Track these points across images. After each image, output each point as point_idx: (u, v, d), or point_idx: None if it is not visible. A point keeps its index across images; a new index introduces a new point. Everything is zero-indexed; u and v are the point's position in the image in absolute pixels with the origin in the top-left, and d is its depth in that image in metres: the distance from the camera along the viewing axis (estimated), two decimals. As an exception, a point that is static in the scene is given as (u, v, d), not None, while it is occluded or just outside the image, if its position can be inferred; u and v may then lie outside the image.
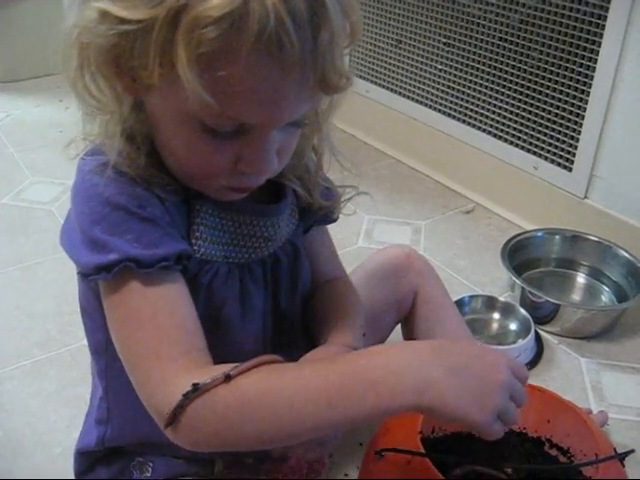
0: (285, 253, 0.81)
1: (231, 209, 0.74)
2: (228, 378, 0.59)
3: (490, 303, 1.36)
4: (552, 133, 1.59)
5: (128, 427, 0.80)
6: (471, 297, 1.36)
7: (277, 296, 0.81)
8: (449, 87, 1.82)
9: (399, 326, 1.06)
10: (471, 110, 1.78)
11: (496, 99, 1.70)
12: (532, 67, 1.58)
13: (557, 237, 1.51)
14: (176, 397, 0.59)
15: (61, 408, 1.14)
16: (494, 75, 1.68)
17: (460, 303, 1.31)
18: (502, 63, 1.65)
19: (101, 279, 0.64)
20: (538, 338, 1.33)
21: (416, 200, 1.81)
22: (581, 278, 1.49)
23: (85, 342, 1.25)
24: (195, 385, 0.58)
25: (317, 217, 0.86)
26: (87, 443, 0.84)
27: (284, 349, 0.83)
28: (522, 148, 1.67)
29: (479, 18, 1.67)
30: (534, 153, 1.65)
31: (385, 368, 0.59)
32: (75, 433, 1.06)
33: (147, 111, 0.66)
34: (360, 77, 2.07)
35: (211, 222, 0.73)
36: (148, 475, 0.80)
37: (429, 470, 0.71)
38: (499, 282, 1.48)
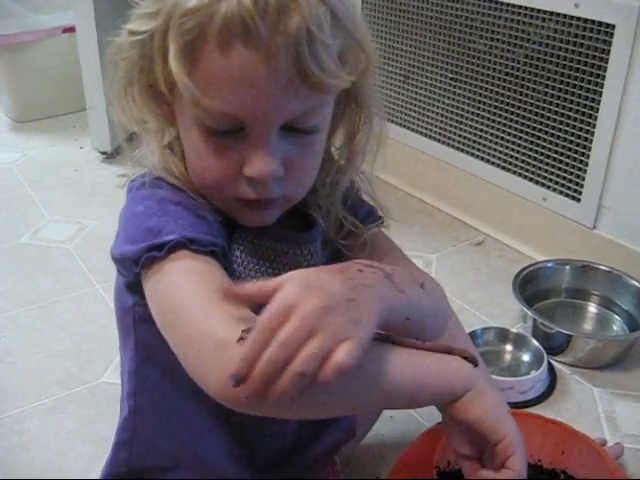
0: None
1: (266, 236, 0.76)
2: None
3: (502, 335, 1.38)
4: (560, 165, 1.61)
5: (156, 444, 0.82)
6: (483, 329, 1.37)
7: None
8: (457, 121, 1.85)
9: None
10: (479, 143, 1.81)
11: (503, 132, 1.72)
12: (538, 100, 1.61)
13: (567, 267, 1.52)
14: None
15: (81, 446, 1.16)
16: (501, 109, 1.71)
17: (473, 335, 1.32)
18: (509, 97, 1.68)
19: (153, 257, 0.64)
20: (551, 369, 1.34)
21: (426, 233, 1.83)
22: (592, 308, 1.50)
23: (104, 380, 1.29)
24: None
25: (367, 225, 0.86)
26: (113, 467, 0.85)
27: None
28: (530, 180, 1.69)
29: (485, 53, 1.70)
30: (542, 185, 1.67)
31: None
32: (95, 471, 1.08)
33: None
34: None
35: (249, 249, 0.75)
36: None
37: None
38: (511, 313, 1.49)
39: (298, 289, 0.52)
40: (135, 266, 0.65)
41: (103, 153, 2.26)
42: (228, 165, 0.68)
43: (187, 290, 0.62)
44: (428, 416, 1.16)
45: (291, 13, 0.61)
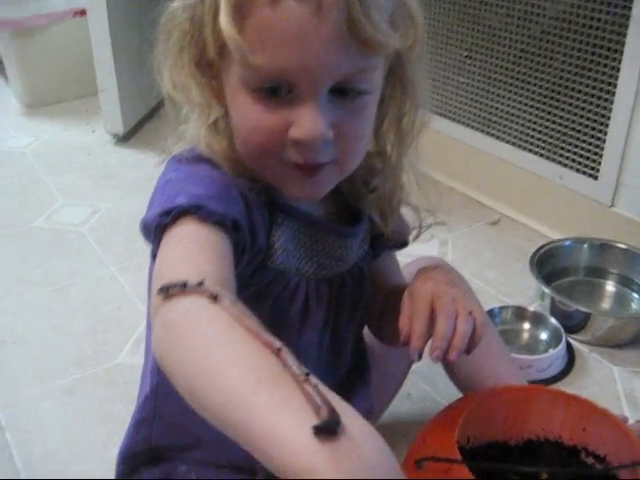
0: (352, 276, 0.83)
1: (310, 225, 0.76)
2: (214, 298, 0.51)
3: (520, 313, 1.36)
4: (576, 142, 1.59)
5: (177, 423, 0.81)
6: (501, 308, 1.36)
7: (337, 317, 0.83)
8: (471, 99, 1.83)
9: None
10: (494, 121, 1.79)
11: (519, 109, 1.70)
12: (554, 77, 1.59)
13: (585, 246, 1.51)
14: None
15: (98, 426, 1.16)
16: (516, 86, 1.69)
17: (490, 314, 1.31)
18: (524, 74, 1.66)
19: (162, 223, 0.62)
20: (569, 347, 1.32)
21: (441, 213, 1.80)
22: (610, 286, 1.49)
23: (119, 361, 1.29)
24: (184, 284, 0.52)
25: (388, 245, 0.89)
26: (133, 444, 0.85)
27: (330, 369, 0.85)
28: (547, 158, 1.68)
29: (500, 30, 1.68)
30: (559, 163, 1.65)
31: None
32: (112, 450, 1.08)
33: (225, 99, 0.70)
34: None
35: (291, 236, 0.75)
36: (192, 484, 0.81)
37: (469, 478, 0.71)
38: (528, 292, 1.48)
39: (426, 284, 0.77)
40: (149, 234, 0.64)
41: (115, 136, 2.25)
42: (275, 127, 0.66)
43: (174, 263, 0.59)
44: (447, 395, 1.16)
45: None
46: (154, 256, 0.65)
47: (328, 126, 0.65)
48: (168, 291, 0.52)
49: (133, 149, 2.22)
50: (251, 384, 0.45)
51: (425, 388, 1.23)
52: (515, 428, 0.91)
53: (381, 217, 0.84)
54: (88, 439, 1.14)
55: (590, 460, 0.91)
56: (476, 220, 1.79)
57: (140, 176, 2.01)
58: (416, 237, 0.89)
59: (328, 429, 0.41)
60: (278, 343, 0.47)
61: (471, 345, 0.75)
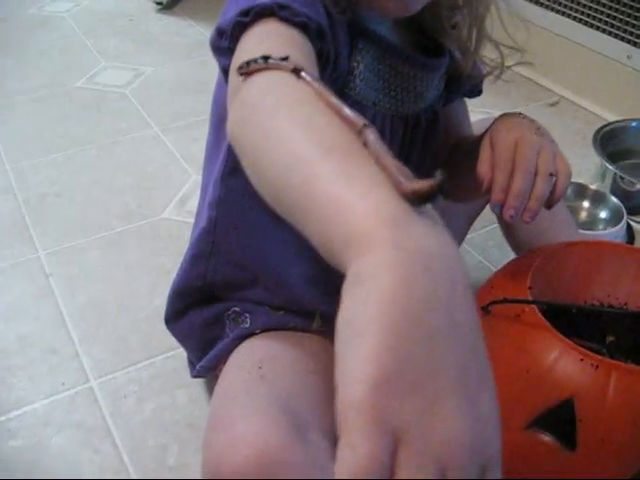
0: (426, 117, 0.80)
1: (393, 54, 0.72)
2: (297, 74, 0.46)
3: (580, 191, 1.30)
4: (650, 18, 1.49)
5: (235, 258, 0.78)
6: (561, 183, 1.30)
7: (409, 157, 0.79)
8: (537, -28, 1.72)
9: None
10: (560, -4, 1.68)
11: (589, -17, 1.60)
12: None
13: (652, 128, 1.43)
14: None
15: (143, 277, 1.14)
16: (589, -44, 1.58)
17: (549, 189, 1.25)
18: (599, -58, 1.54)
19: (240, 23, 0.56)
20: (629, 228, 1.27)
21: (497, 92, 1.73)
22: (675, 170, 1.42)
23: (164, 216, 1.27)
24: (267, 57, 0.48)
25: (464, 89, 0.86)
26: (186, 280, 0.82)
27: None
28: (615, 36, 1.57)
29: None
30: (628, 41, 1.55)
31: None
32: (157, 300, 1.07)
33: None
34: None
35: (370, 64, 0.71)
36: (246, 326, 0.78)
37: (541, 322, 0.67)
38: (587, 173, 1.42)
39: (510, 131, 0.72)
40: (225, 38, 0.58)
41: (159, 4, 2.17)
42: None
43: (256, 50, 0.52)
44: (500, 265, 1.12)
45: None
46: (225, 71, 0.59)
47: None
48: (249, 66, 0.47)
49: (176, 17, 2.14)
50: (320, 151, 0.39)
51: (478, 258, 1.19)
52: (580, 290, 0.87)
53: (462, 54, 0.79)
54: (133, 289, 1.12)
55: (656, 328, 0.88)
56: (533, 100, 1.71)
57: (184, 42, 1.95)
58: (498, 76, 0.83)
59: (420, 195, 0.35)
60: (362, 121, 0.41)
61: (549, 203, 0.71)
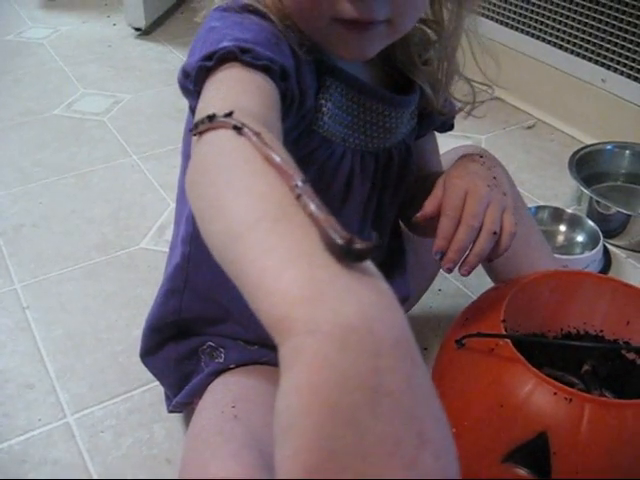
0: (398, 152, 0.80)
1: (361, 91, 0.72)
2: (238, 130, 0.45)
3: (557, 215, 1.31)
4: (622, 42, 1.50)
5: (208, 294, 0.78)
6: (538, 208, 1.31)
7: (382, 193, 0.80)
8: (512, -3, 1.74)
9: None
10: (532, 19, 1.69)
11: (559, 6, 1.61)
12: (604, -29, 1.50)
13: (627, 151, 1.44)
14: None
15: (121, 308, 1.13)
16: (562, -19, 1.60)
17: (526, 213, 1.26)
18: (572, -32, 1.56)
19: (203, 67, 0.57)
20: (606, 252, 1.28)
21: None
22: (650, 193, 1.43)
23: (142, 246, 1.26)
24: (211, 116, 0.47)
25: (435, 124, 0.86)
26: (160, 316, 0.82)
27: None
28: (589, 59, 1.59)
29: None
30: (602, 64, 1.57)
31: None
32: (135, 331, 1.06)
33: None
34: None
35: (338, 101, 0.71)
36: (220, 361, 0.78)
37: (515, 356, 0.68)
38: (563, 197, 1.43)
39: (464, 179, 0.74)
40: (189, 81, 0.58)
41: (137, 29, 2.18)
42: None
43: (214, 103, 0.52)
44: (478, 291, 1.12)
45: None
46: (193, 110, 0.59)
47: None
48: (197, 127, 0.47)
49: (155, 42, 2.15)
50: (250, 222, 0.38)
51: (456, 284, 1.19)
52: (555, 318, 0.88)
53: (432, 90, 0.79)
54: (110, 321, 1.11)
55: (631, 356, 0.88)
56: (511, 124, 1.72)
57: (163, 68, 1.95)
58: (469, 112, 0.83)
59: (350, 253, 0.34)
60: (298, 178, 0.40)
61: (489, 258, 0.74)
